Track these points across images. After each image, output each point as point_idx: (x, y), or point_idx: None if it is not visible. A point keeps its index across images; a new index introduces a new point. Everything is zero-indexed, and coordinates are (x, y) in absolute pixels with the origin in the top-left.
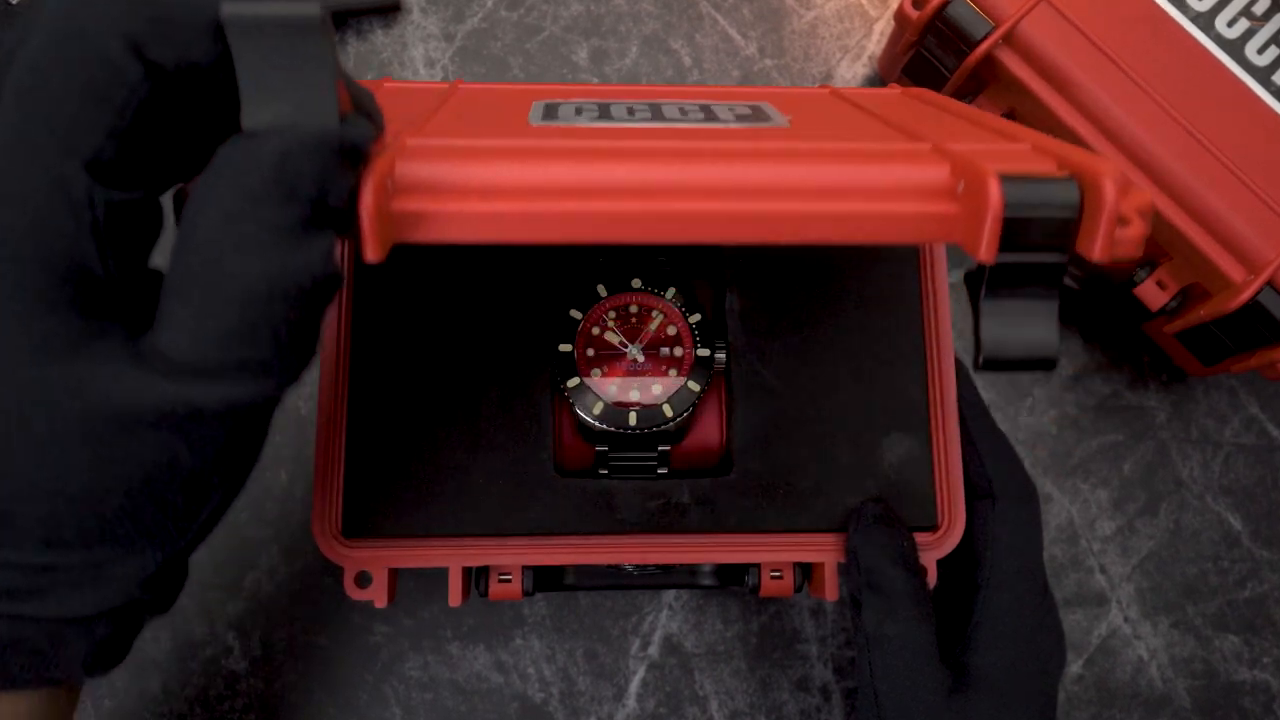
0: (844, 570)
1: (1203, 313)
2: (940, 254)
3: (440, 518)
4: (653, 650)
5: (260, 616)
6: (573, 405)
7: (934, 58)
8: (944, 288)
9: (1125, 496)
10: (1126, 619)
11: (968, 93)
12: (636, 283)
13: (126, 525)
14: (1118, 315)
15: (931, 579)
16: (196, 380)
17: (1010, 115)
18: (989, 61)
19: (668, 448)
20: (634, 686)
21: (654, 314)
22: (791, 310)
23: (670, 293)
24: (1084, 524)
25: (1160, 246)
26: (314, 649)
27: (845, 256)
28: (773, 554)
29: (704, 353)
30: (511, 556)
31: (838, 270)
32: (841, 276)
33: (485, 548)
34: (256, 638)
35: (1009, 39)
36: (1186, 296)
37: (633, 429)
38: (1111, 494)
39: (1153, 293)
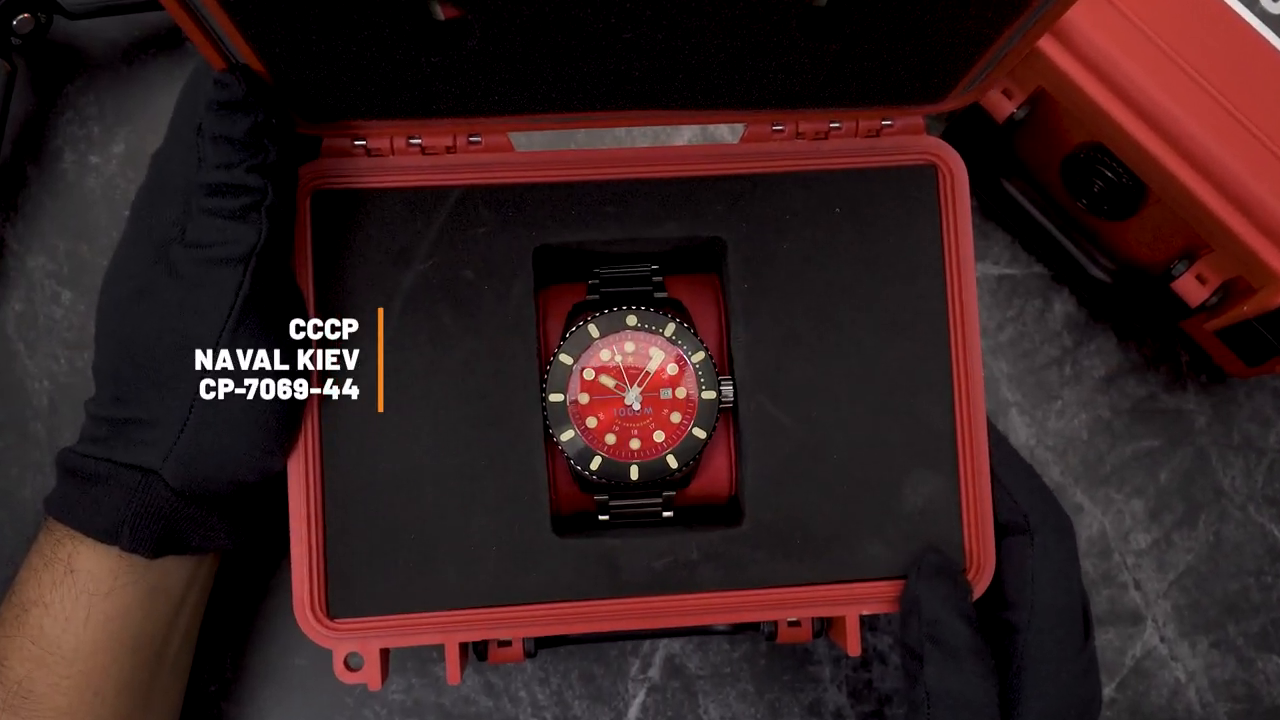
0: (899, 620)
1: (1246, 309)
2: (968, 265)
3: (432, 589)
4: (653, 672)
5: (234, 635)
6: (569, 459)
7: None
8: (972, 303)
9: (1162, 507)
10: (1163, 638)
11: None
12: (632, 320)
13: (166, 370)
14: (1154, 311)
15: None
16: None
17: (1038, 97)
18: None
19: (672, 492)
20: (633, 711)
21: (652, 353)
22: (804, 340)
23: (670, 329)
24: (1117, 536)
25: (1200, 237)
26: (291, 671)
27: (862, 276)
28: (791, 610)
29: (709, 395)
30: (511, 628)
31: (854, 293)
32: (858, 299)
33: (482, 620)
34: (229, 658)
35: None
36: (1228, 291)
37: (634, 483)
38: (1147, 504)
39: (1192, 287)
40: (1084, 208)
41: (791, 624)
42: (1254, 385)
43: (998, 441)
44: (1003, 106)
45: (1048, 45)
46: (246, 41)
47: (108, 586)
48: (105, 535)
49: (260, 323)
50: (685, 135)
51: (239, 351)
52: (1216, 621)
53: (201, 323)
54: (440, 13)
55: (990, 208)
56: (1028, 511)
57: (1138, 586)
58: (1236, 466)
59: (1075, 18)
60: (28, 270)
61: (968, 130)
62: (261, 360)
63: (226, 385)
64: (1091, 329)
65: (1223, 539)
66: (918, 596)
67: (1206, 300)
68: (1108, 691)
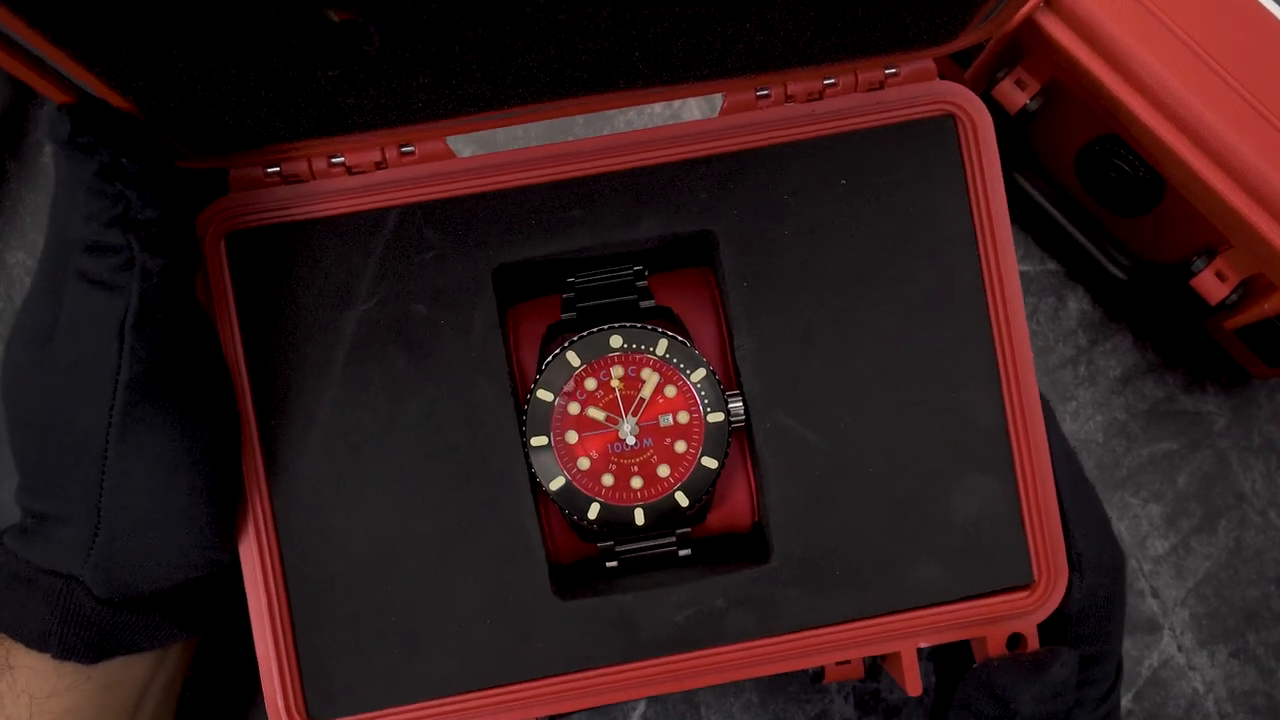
0: (976, 687)
1: (1267, 306)
2: (1004, 228)
3: (423, 676)
4: None
5: (226, 687)
6: (562, 510)
7: None
8: (1014, 279)
9: (1180, 512)
10: (1180, 648)
11: (1004, 63)
12: (617, 341)
13: (65, 463)
14: (1172, 309)
15: (1033, 643)
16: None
17: (1051, 88)
18: (1029, 26)
19: (688, 530)
20: None
21: (645, 376)
22: (819, 339)
23: (662, 347)
24: (1134, 542)
25: (1219, 233)
26: None
27: (880, 257)
28: (837, 653)
29: (716, 417)
30: (516, 711)
31: (872, 277)
32: (879, 284)
33: (482, 705)
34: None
35: (1051, 1)
36: (1249, 289)
37: (641, 528)
38: (1164, 509)
39: (1211, 284)
40: (1099, 202)
41: (841, 663)
42: (1275, 386)
43: (1065, 459)
44: (1015, 98)
45: (1061, 34)
46: (97, 78)
47: (50, 687)
48: (34, 642)
49: (160, 405)
50: (696, 110)
51: (140, 444)
52: (1236, 630)
53: (86, 416)
54: (335, 16)
55: None
56: (1082, 550)
57: (1155, 594)
58: (1257, 470)
59: (1090, 5)
60: (7, 267)
61: None
62: (172, 449)
63: (131, 487)
64: (1107, 328)
65: (1243, 545)
66: (1012, 697)
67: (1226, 298)
68: (1124, 702)
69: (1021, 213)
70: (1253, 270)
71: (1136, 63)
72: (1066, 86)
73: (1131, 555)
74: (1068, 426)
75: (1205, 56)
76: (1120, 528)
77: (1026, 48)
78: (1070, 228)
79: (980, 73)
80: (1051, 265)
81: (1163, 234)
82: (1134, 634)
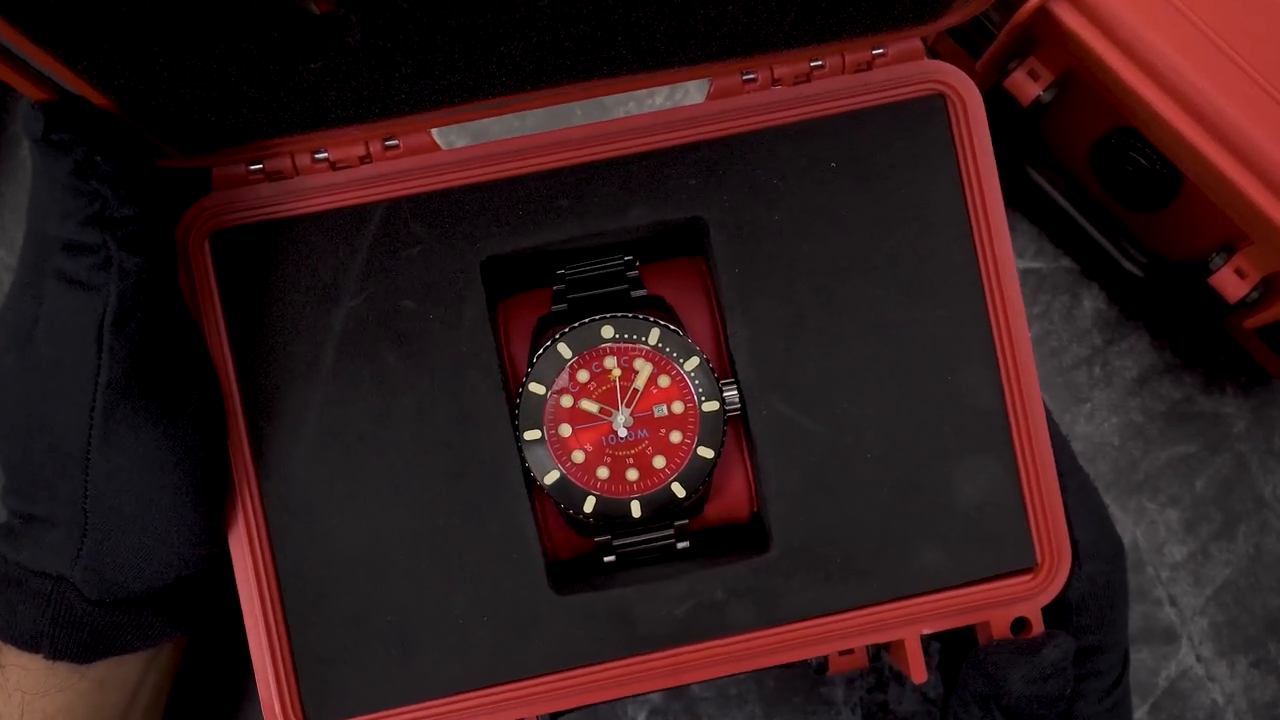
0: (977, 678)
1: None
2: (996, 207)
3: (421, 676)
4: (654, 694)
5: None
6: (557, 504)
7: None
8: (1007, 253)
9: (1198, 517)
10: (1199, 658)
11: (1016, 54)
12: (608, 331)
13: (49, 464)
14: (1190, 308)
15: (1038, 627)
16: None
17: (1066, 78)
18: (1042, 15)
19: (685, 521)
20: None
21: (638, 366)
22: (813, 324)
23: (654, 336)
24: (1151, 549)
25: (1239, 228)
26: None
27: (872, 239)
28: (839, 642)
29: (711, 406)
30: (516, 709)
31: (865, 260)
32: (872, 267)
33: (482, 704)
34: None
35: None
36: (1269, 287)
37: (638, 521)
38: (1182, 514)
39: (1230, 282)
40: (1115, 197)
41: (844, 652)
42: None
43: (1060, 450)
44: (1028, 89)
45: (1076, 22)
46: (78, 76)
47: (42, 685)
48: (26, 644)
49: (142, 405)
50: (699, 98)
51: (122, 445)
52: (1257, 639)
53: (67, 418)
54: (315, 8)
55: (1015, 197)
56: (1079, 536)
57: (1172, 602)
58: (1278, 474)
59: None
60: None
61: (990, 114)
62: (155, 448)
63: (115, 489)
64: (1123, 327)
65: (1263, 551)
66: (1012, 690)
67: (1246, 296)
68: (1140, 714)
69: (1034, 208)
70: (1273, 267)
71: (1152, 52)
72: (1081, 77)
73: (1148, 562)
74: (1082, 428)
75: (1223, 45)
76: (1137, 534)
77: (1039, 37)
78: (1085, 223)
79: (992, 63)
80: (1065, 262)
81: (1180, 230)
82: (1151, 643)
